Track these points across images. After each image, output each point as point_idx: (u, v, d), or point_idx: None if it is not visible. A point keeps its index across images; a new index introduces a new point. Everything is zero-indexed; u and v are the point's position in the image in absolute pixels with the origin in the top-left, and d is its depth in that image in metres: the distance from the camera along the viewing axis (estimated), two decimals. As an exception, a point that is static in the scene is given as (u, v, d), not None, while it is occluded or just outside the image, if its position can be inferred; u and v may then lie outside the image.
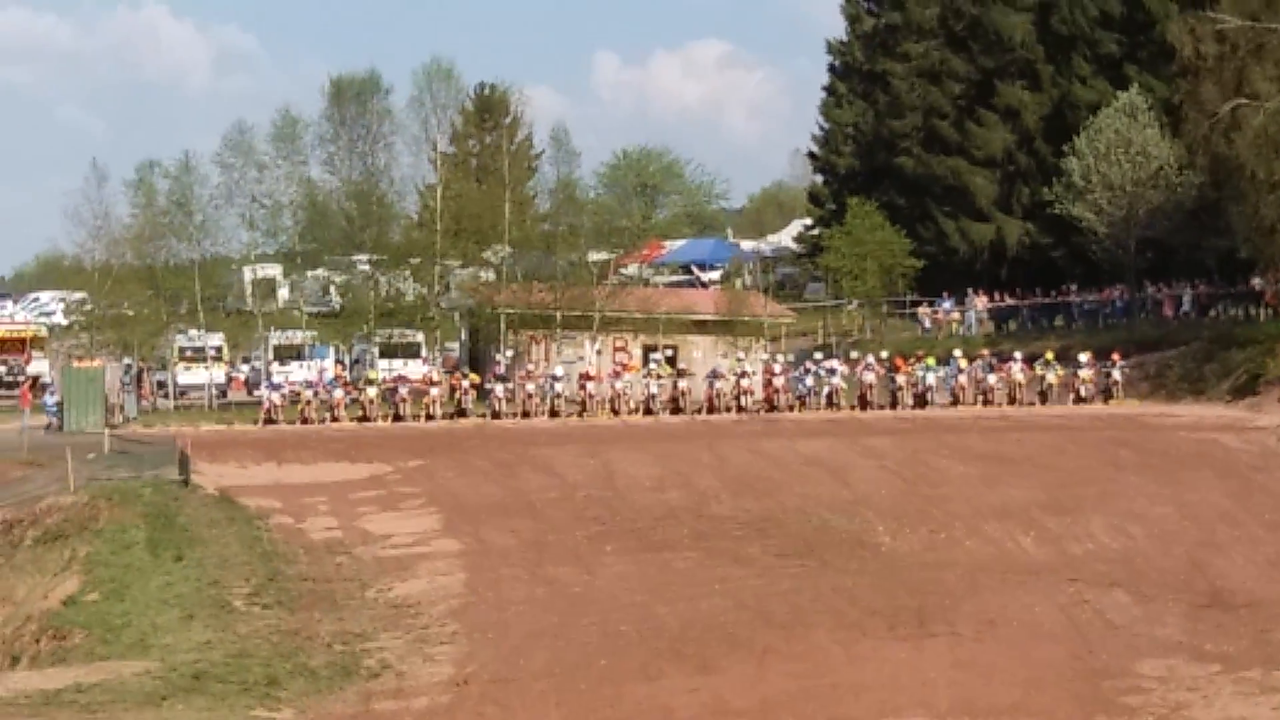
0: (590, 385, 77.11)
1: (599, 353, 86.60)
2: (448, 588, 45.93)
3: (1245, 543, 46.73)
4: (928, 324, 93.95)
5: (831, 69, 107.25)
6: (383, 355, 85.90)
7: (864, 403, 76.89)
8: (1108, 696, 33.33)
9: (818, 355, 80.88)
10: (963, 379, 76.04)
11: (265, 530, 51.90)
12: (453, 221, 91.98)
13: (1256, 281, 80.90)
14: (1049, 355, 76.39)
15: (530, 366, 76.25)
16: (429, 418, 73.22)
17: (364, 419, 72.21)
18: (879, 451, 63.86)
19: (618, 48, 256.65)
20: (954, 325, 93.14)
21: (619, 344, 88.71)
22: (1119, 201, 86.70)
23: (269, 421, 70.92)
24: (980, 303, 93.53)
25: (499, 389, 73.37)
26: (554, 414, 74.23)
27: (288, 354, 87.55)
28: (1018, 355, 76.71)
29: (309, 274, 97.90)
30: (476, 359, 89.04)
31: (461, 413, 74.27)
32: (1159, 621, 39.08)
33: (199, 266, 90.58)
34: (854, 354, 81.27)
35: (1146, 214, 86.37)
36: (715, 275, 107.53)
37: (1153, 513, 49.50)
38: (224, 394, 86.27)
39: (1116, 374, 74.60)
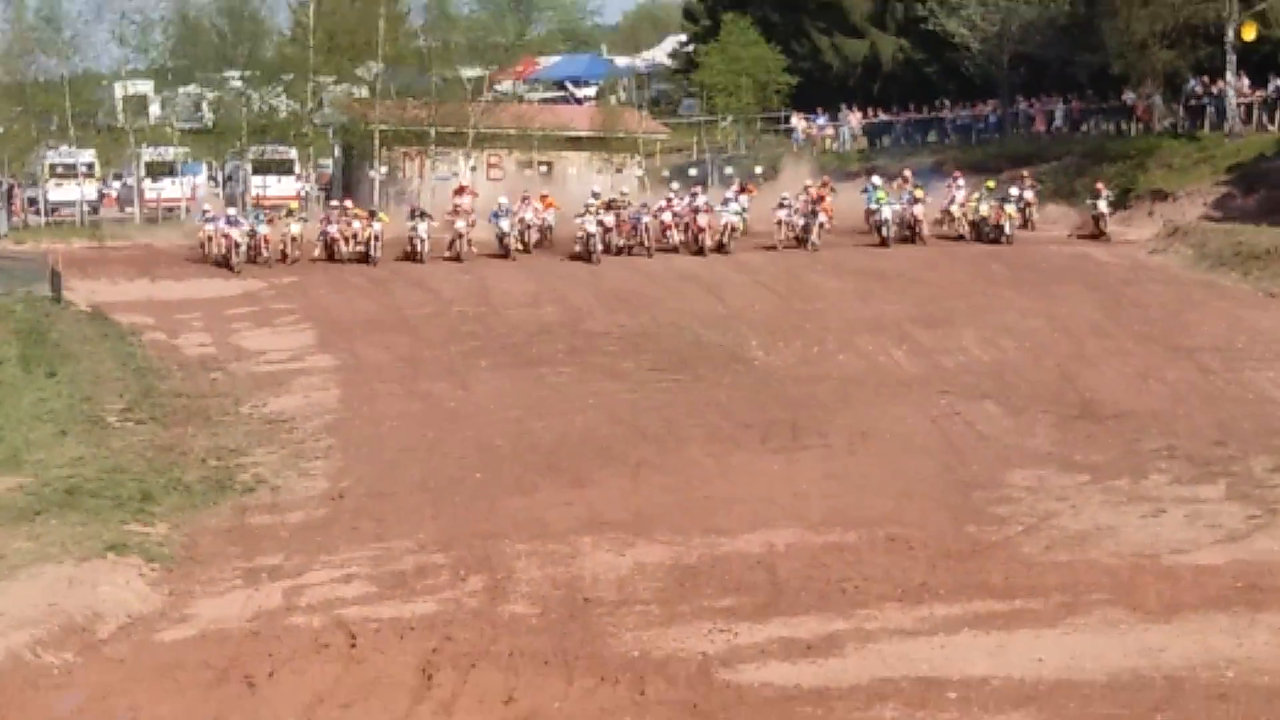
0: (464, 200, 71.47)
1: (473, 169, 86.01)
2: (322, 403, 46.45)
3: (1115, 355, 47.82)
4: (801, 139, 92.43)
5: None
6: (256, 172, 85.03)
7: (800, 241, 69.77)
8: (978, 506, 34.08)
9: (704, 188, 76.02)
10: (917, 210, 70.03)
11: (139, 346, 52.26)
12: (326, 37, 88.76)
13: (1128, 96, 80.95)
14: (989, 184, 71.21)
15: (460, 201, 69.33)
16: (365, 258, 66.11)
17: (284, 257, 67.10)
18: (754, 267, 65.27)
19: None
20: (828, 141, 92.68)
21: (493, 160, 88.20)
22: (992, 17, 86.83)
23: (221, 263, 64.56)
24: (854, 119, 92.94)
25: (420, 229, 66.14)
26: (505, 254, 67.51)
27: (160, 170, 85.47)
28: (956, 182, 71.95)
29: (181, 90, 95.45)
30: (349, 176, 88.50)
31: (365, 257, 66.56)
32: (1029, 433, 40.10)
33: (69, 83, 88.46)
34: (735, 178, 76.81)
35: (1019, 29, 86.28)
36: (590, 92, 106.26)
37: (1024, 326, 50.59)
38: (96, 210, 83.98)
39: (1030, 195, 71.00)
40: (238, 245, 63.71)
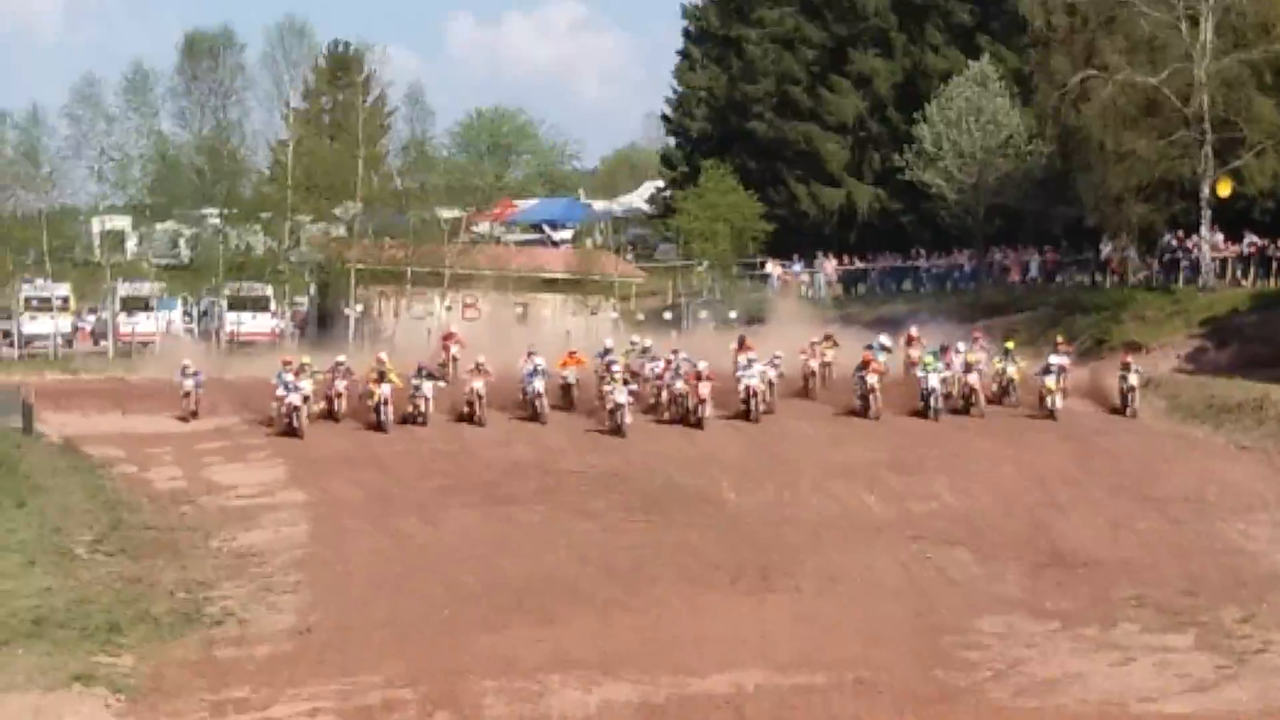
0: (454, 348, 68.73)
1: (449, 309, 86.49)
2: (292, 538, 45.97)
3: (1085, 504, 47.52)
4: (777, 285, 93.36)
5: (686, 33, 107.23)
6: (231, 308, 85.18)
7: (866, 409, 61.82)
8: (947, 651, 33.99)
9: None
10: (972, 379, 62.11)
11: (109, 479, 51.66)
12: (304, 177, 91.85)
13: (1104, 249, 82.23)
14: (1009, 343, 65.78)
15: (480, 360, 60.61)
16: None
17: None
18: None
19: (472, 7, 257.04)
20: (802, 287, 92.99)
21: (469, 300, 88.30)
22: (969, 169, 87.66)
23: (288, 432, 56.67)
24: (830, 266, 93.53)
25: (425, 388, 58.76)
26: (534, 417, 59.64)
27: (135, 305, 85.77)
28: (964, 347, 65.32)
29: (158, 226, 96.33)
30: (325, 314, 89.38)
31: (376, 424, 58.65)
32: (999, 579, 40.03)
33: (46, 217, 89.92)
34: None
35: (995, 181, 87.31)
36: (567, 235, 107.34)
37: (996, 473, 50.70)
38: (70, 343, 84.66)
39: (1066, 362, 63.14)
40: (297, 409, 56.48)
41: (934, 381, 58.25)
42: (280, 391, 57.16)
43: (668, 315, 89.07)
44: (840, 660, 32.83)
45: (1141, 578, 39.92)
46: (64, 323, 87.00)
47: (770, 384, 60.07)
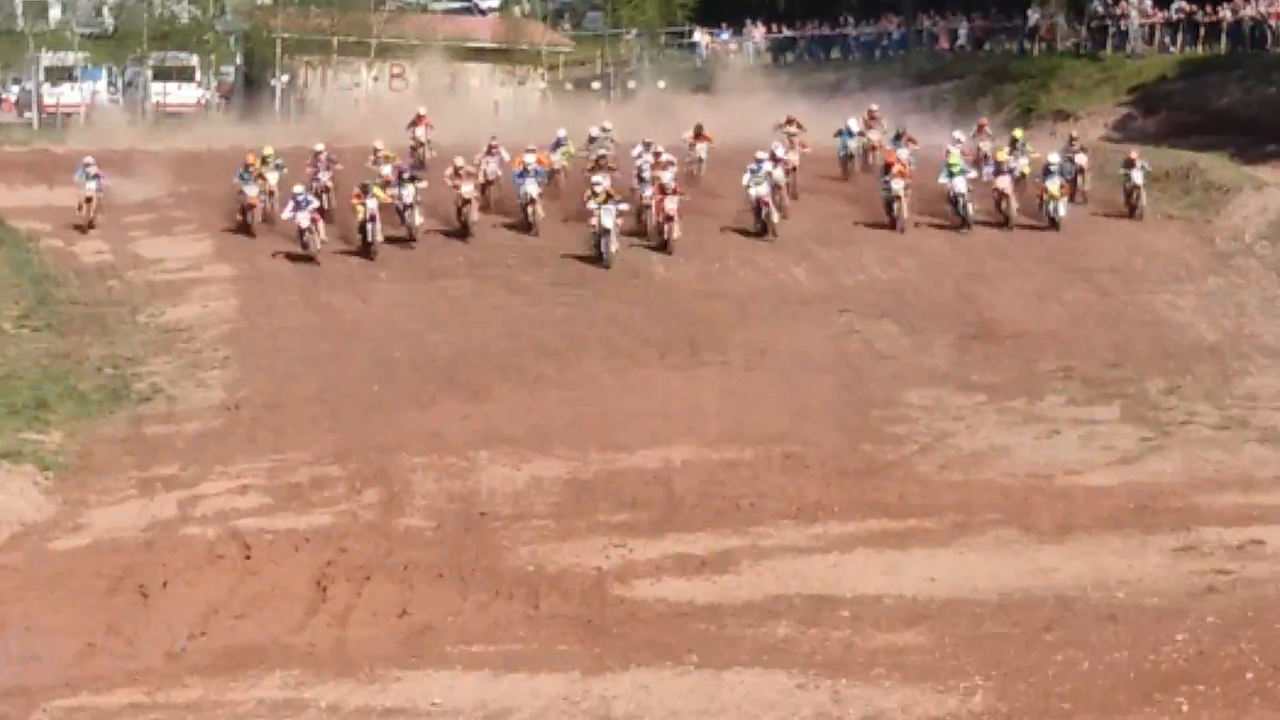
0: (422, 130, 60.04)
1: (375, 79, 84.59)
2: (220, 313, 46.33)
3: (1013, 274, 47.80)
4: (705, 54, 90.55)
5: None
6: (156, 78, 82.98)
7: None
8: (874, 425, 34.76)
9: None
10: (1002, 183, 53.41)
11: (35, 253, 51.66)
12: None
13: (1031, 15, 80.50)
14: (1017, 132, 57.66)
15: (460, 162, 51.93)
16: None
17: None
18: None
19: None
20: (731, 55, 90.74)
21: (395, 71, 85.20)
22: None
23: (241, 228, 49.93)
24: (758, 33, 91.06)
25: (406, 195, 49.54)
26: (528, 227, 51.01)
27: (59, 75, 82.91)
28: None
29: None
30: (251, 85, 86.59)
31: (366, 250, 49.26)
32: (927, 352, 40.62)
33: None
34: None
35: None
36: (494, 3, 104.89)
37: (924, 244, 50.71)
38: None
39: (1083, 160, 55.49)
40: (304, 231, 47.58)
41: (961, 185, 49.94)
42: (253, 196, 50.17)
43: (595, 85, 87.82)
44: (768, 434, 33.63)
45: (1068, 350, 40.69)
46: None
47: (778, 187, 51.49)
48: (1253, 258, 51.05)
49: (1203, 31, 74.85)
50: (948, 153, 51.03)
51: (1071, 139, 57.65)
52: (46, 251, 52.17)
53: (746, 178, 47.87)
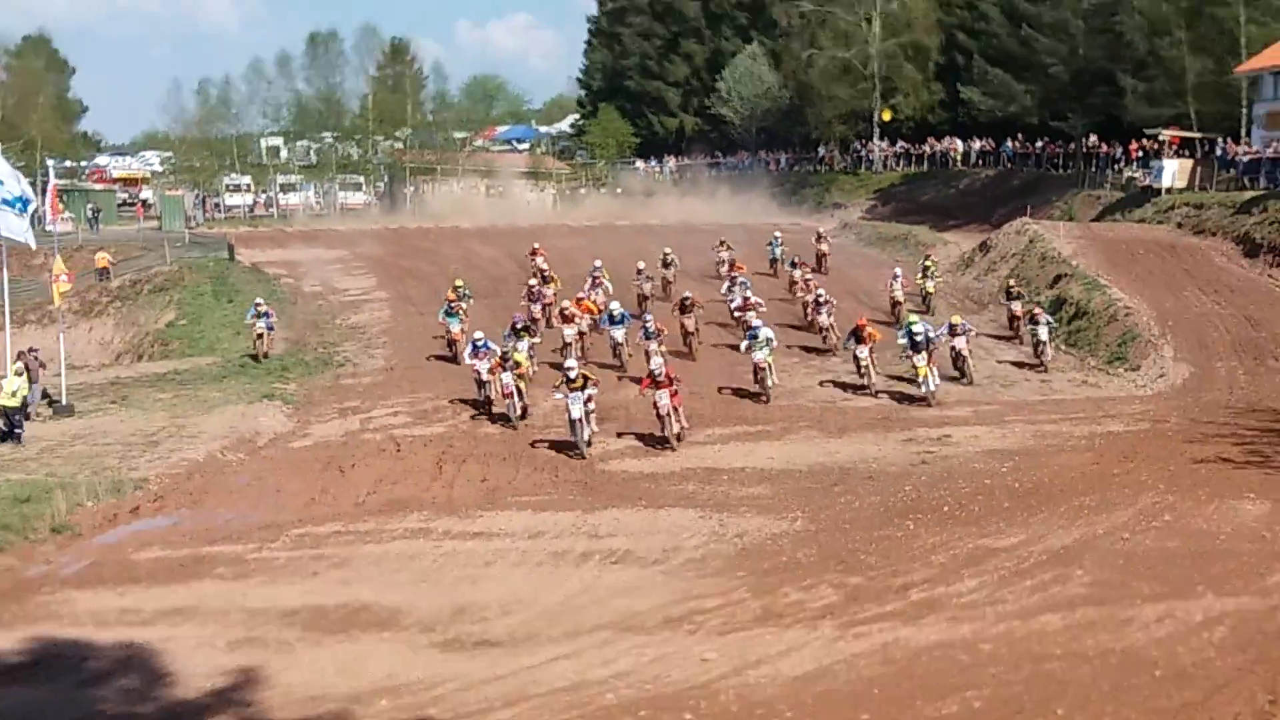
0: (541, 261, 52.93)
1: (460, 188, 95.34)
2: (381, 319, 52.64)
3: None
4: (642, 173, 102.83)
5: (590, 31, 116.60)
6: (341, 189, 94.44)
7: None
8: (745, 380, 39.66)
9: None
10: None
11: (278, 286, 57.09)
12: (378, 114, 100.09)
13: (821, 150, 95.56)
14: (929, 261, 51.12)
15: (566, 306, 43.49)
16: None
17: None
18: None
19: (471, 15, 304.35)
20: (655, 175, 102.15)
21: (473, 184, 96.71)
22: (746, 106, 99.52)
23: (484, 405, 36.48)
24: (672, 162, 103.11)
25: (523, 348, 38.64)
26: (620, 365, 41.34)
27: (287, 187, 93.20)
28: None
29: (298, 143, 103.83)
30: (393, 192, 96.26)
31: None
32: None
33: (235, 139, 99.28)
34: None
35: (761, 113, 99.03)
36: (525, 146, 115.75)
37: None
38: (252, 210, 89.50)
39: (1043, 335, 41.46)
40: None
41: (961, 344, 38.22)
42: (456, 331, 43.71)
43: (582, 191, 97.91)
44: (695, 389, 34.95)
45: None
46: (247, 198, 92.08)
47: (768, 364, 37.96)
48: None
49: (914, 158, 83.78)
50: (909, 318, 38.64)
51: (1010, 287, 45.97)
52: (284, 285, 58.00)
53: (746, 343, 37.08)
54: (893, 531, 22.39)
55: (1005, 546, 21.26)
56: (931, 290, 47.20)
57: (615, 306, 41.67)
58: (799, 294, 46.86)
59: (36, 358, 37.85)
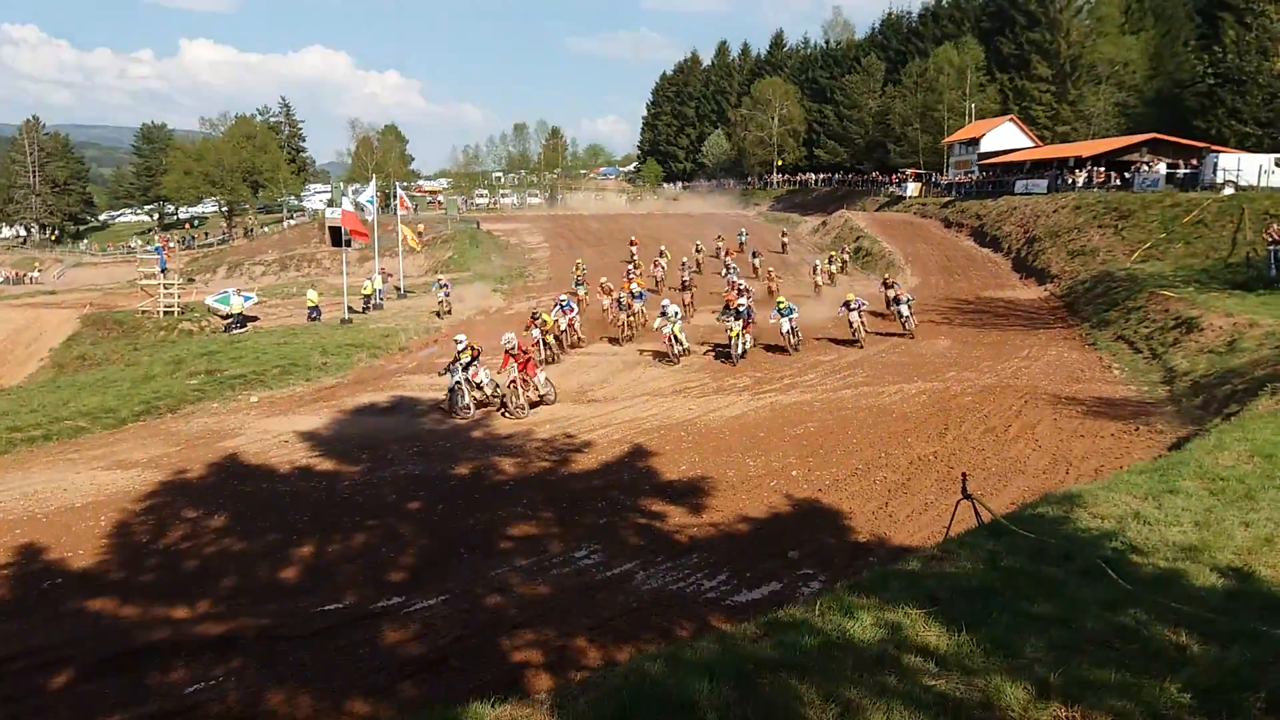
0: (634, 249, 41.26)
1: (584, 192, 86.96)
2: (545, 254, 48.13)
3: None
4: (666, 190, 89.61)
5: (644, 122, 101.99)
6: (530, 196, 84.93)
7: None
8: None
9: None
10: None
11: (506, 244, 52.12)
12: (545, 161, 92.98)
13: (749, 178, 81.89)
14: (834, 252, 40.34)
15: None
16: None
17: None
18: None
19: (589, 115, 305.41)
20: (673, 191, 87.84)
21: (588, 195, 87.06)
22: (714, 159, 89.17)
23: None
24: (680, 185, 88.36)
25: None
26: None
27: (503, 196, 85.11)
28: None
29: (509, 174, 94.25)
30: (552, 195, 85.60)
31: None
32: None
33: (480, 172, 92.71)
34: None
35: (722, 161, 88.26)
36: (613, 176, 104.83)
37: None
38: (488, 205, 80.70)
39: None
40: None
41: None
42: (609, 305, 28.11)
43: (639, 198, 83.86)
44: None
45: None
46: (486, 200, 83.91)
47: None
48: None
49: (791, 182, 79.21)
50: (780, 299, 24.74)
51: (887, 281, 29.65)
52: (502, 240, 53.35)
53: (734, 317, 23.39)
54: (779, 363, 22.18)
55: (826, 360, 22.13)
56: (835, 271, 36.45)
57: (635, 288, 28.43)
58: (763, 279, 33.30)
59: (384, 271, 38.98)
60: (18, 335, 34.55)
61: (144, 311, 35.11)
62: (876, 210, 57.52)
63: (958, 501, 8.16)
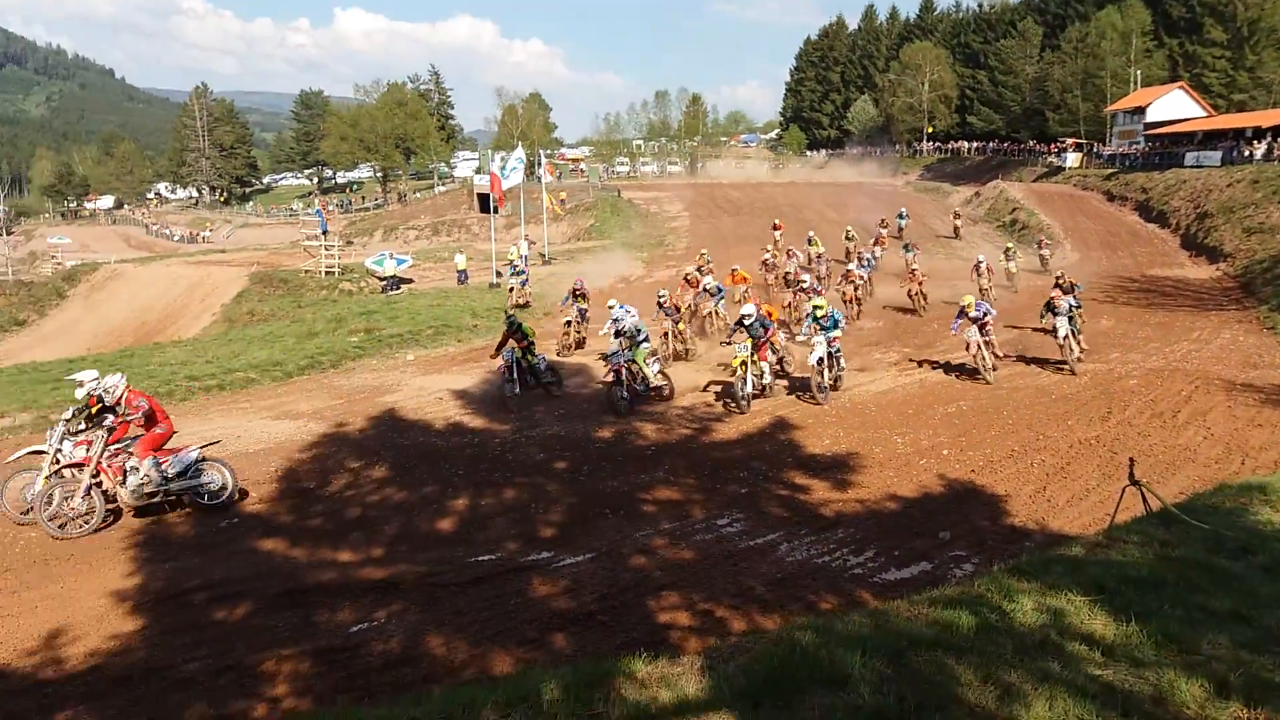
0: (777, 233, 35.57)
1: (723, 161, 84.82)
2: (685, 222, 47.55)
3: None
4: (810, 158, 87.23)
5: (786, 87, 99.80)
6: (669, 165, 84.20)
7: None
8: None
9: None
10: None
11: (645, 212, 51.84)
12: (685, 128, 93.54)
13: (896, 146, 79.46)
14: (1010, 245, 31.39)
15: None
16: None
17: None
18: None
19: (729, 83, 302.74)
20: (816, 159, 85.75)
21: (729, 163, 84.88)
22: (860, 126, 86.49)
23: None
24: (824, 153, 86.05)
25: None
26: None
27: (644, 164, 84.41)
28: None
29: (649, 142, 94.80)
30: (692, 164, 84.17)
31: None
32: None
33: (621, 140, 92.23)
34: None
35: (868, 129, 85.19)
36: (754, 143, 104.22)
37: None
38: (628, 174, 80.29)
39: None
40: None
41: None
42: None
43: (780, 166, 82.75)
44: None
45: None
46: (626, 168, 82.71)
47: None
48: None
49: (941, 150, 76.58)
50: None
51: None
52: (641, 208, 52.91)
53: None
54: (928, 335, 21.69)
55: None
56: (1014, 271, 28.17)
57: (710, 281, 23.16)
58: (905, 280, 25.58)
59: (529, 238, 39.65)
60: (192, 291, 36.41)
61: (307, 271, 36.46)
62: (1033, 181, 55.72)
63: (1124, 488, 7.83)
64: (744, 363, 14.85)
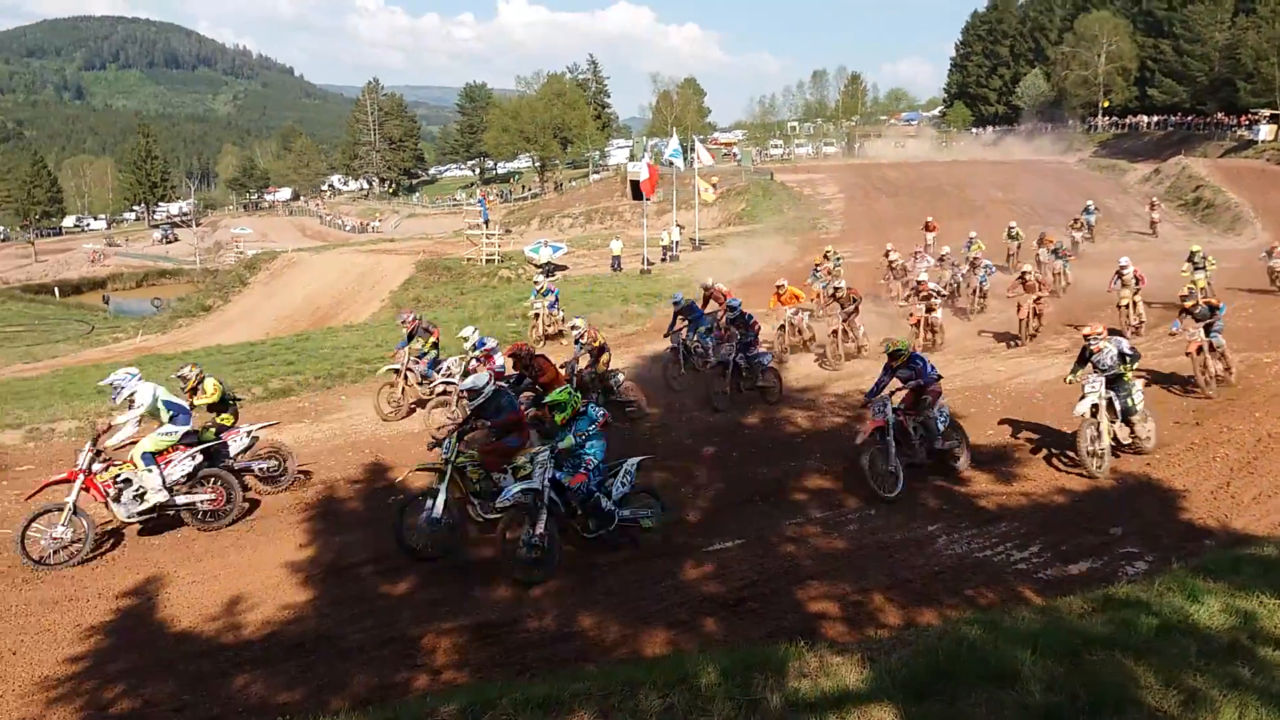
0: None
1: (881, 139, 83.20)
2: (840, 205, 47.60)
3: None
4: (976, 136, 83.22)
5: (951, 63, 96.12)
6: (825, 145, 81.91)
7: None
8: None
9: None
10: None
11: (798, 196, 51.60)
12: (843, 107, 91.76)
13: (1070, 122, 74.79)
14: (1196, 248, 21.62)
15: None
16: None
17: None
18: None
19: (888, 60, 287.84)
20: (983, 136, 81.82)
21: (889, 143, 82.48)
22: (1030, 101, 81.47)
23: None
24: (992, 130, 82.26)
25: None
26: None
27: (799, 145, 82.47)
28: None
29: (804, 124, 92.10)
30: (850, 144, 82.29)
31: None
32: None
33: (776, 122, 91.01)
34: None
35: (1038, 105, 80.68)
36: (915, 122, 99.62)
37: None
38: (783, 156, 77.81)
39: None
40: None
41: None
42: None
43: (944, 144, 79.13)
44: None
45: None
46: (780, 150, 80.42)
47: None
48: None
49: (1118, 125, 72.34)
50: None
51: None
52: (794, 191, 52.47)
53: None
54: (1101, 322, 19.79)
55: (1157, 327, 19.83)
56: (1202, 284, 19.38)
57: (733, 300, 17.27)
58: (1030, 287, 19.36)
59: (679, 224, 39.50)
60: (363, 278, 37.66)
61: (469, 259, 37.25)
62: (1220, 157, 52.51)
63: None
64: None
